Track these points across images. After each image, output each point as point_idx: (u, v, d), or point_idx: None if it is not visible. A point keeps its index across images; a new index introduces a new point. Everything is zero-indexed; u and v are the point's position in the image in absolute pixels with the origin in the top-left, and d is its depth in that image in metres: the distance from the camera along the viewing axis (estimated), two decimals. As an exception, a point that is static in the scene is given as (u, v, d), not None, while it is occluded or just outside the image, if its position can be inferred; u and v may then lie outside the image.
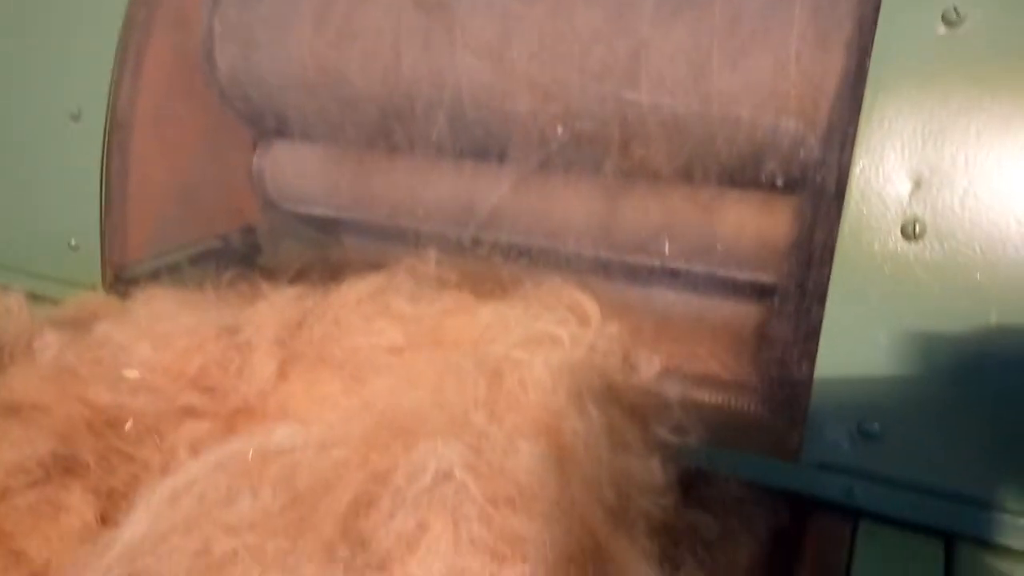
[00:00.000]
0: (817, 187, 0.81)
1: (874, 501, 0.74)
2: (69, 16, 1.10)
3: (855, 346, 0.74)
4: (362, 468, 0.56)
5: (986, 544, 0.70)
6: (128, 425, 0.72)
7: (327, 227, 1.27)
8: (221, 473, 0.58)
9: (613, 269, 1.03)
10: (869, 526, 0.74)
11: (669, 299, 1.04)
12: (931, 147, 0.72)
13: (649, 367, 0.82)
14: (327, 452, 0.59)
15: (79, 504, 0.64)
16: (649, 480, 0.68)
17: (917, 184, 0.72)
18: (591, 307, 0.82)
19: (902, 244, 0.73)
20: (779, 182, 0.87)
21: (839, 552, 0.72)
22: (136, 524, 0.55)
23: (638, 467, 0.68)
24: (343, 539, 0.51)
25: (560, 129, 0.96)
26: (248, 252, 1.21)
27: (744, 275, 0.95)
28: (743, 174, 0.91)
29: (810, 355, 0.77)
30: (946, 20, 0.72)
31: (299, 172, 1.24)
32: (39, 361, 0.75)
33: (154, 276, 1.10)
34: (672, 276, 1.00)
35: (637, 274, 1.03)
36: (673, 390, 0.82)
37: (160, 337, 0.74)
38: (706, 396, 0.88)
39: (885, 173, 0.74)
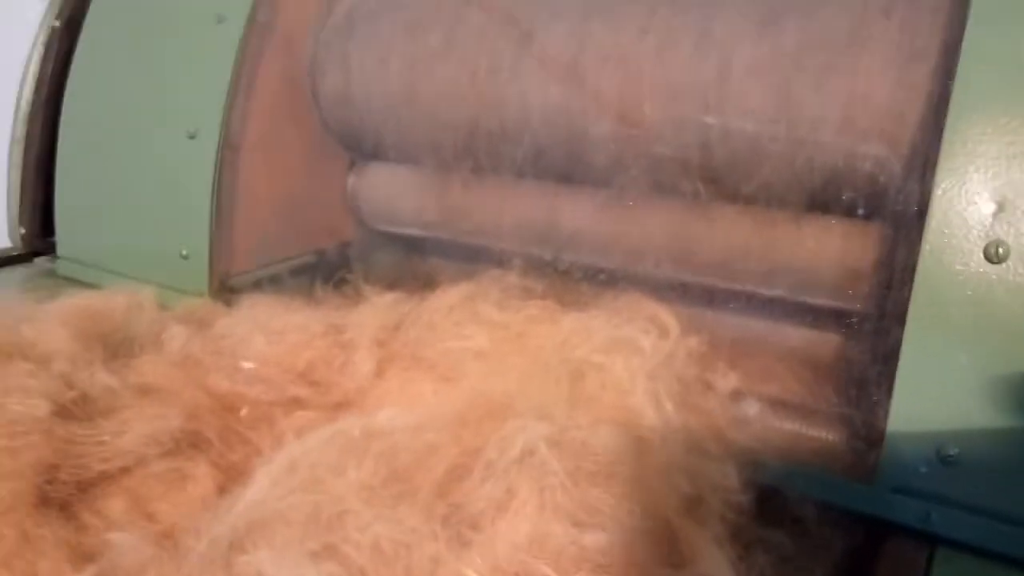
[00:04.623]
0: (899, 209, 0.89)
1: (951, 527, 0.77)
2: (190, 44, 1.28)
3: (935, 368, 0.78)
4: (455, 445, 0.67)
5: (1067, 576, 0.72)
6: (243, 411, 0.86)
7: (415, 246, 1.40)
8: (331, 447, 0.70)
9: (690, 291, 1.10)
10: (946, 553, 0.77)
11: (746, 322, 1.11)
12: (1016, 170, 0.77)
13: (726, 382, 0.91)
14: (423, 433, 0.70)
15: (203, 475, 0.78)
16: (724, 484, 0.76)
17: (1000, 206, 0.77)
18: (670, 320, 0.92)
19: (985, 266, 0.77)
20: (860, 206, 0.94)
21: (914, 578, 0.75)
22: (258, 485, 0.68)
23: (714, 470, 0.76)
24: (439, 501, 0.63)
25: (639, 152, 1.07)
26: (342, 267, 1.36)
27: (822, 300, 1.02)
28: (823, 198, 0.97)
29: (889, 377, 0.80)
30: (1031, 44, 0.76)
31: (390, 193, 1.38)
32: (166, 350, 0.90)
33: (256, 286, 1.25)
34: (749, 300, 1.08)
35: (714, 297, 1.10)
36: (750, 406, 0.90)
37: (273, 332, 0.88)
38: (782, 415, 0.93)
39: (967, 195, 0.78)
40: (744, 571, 0.71)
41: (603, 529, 0.60)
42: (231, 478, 0.80)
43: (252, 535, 0.63)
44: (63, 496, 0.75)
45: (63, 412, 0.79)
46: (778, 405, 0.95)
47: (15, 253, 1.43)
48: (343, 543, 0.59)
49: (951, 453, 0.77)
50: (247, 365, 0.87)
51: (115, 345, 0.92)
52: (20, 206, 1.41)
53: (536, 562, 0.57)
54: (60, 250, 1.39)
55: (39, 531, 0.69)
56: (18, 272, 1.39)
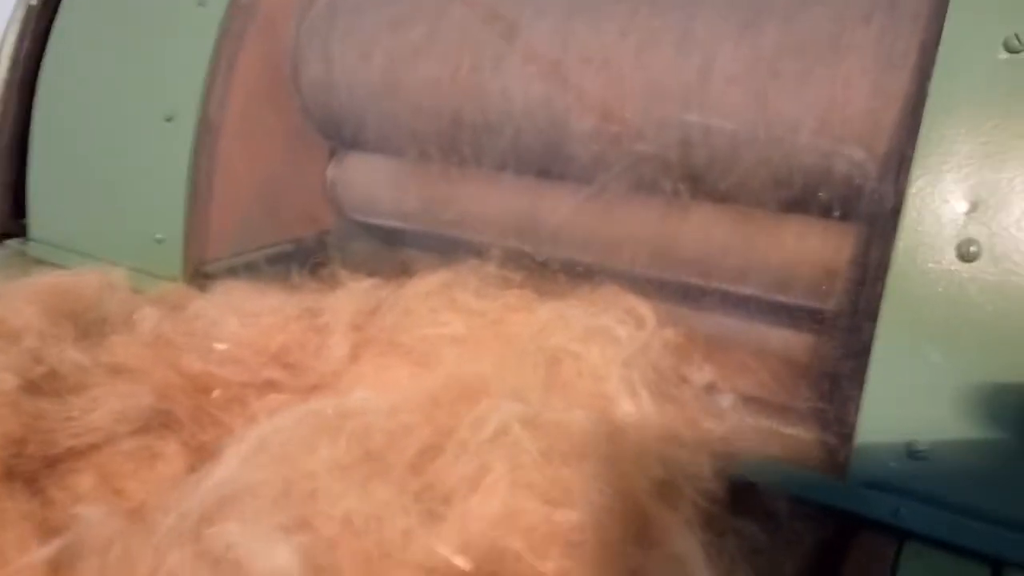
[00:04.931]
0: (874, 207, 0.91)
1: (920, 522, 0.78)
2: (170, 25, 1.26)
3: (906, 364, 0.79)
4: (429, 424, 0.68)
5: (1034, 571, 0.73)
6: (216, 393, 0.85)
7: (394, 236, 1.41)
8: (303, 426, 0.71)
9: (668, 288, 1.11)
10: (914, 547, 0.78)
11: (722, 319, 1.12)
12: (989, 170, 0.78)
13: (701, 375, 0.92)
14: (397, 414, 0.71)
15: (173, 454, 0.78)
16: (697, 473, 0.77)
17: (974, 205, 0.78)
18: (646, 312, 0.93)
19: (957, 264, 0.78)
20: (837, 207, 0.96)
21: (882, 572, 0.76)
22: (227, 463, 0.68)
23: (687, 458, 0.77)
24: (412, 478, 0.63)
25: (619, 150, 1.08)
26: (320, 256, 1.36)
27: (798, 298, 1.04)
28: (800, 198, 0.99)
29: (861, 373, 0.82)
30: (1008, 46, 0.78)
31: (370, 182, 1.39)
32: (138, 330, 0.90)
33: (231, 272, 1.25)
34: (726, 297, 1.10)
35: (692, 293, 1.12)
36: (725, 399, 0.91)
37: (248, 315, 0.89)
38: (756, 410, 0.93)
39: (942, 193, 0.80)
40: (715, 556, 0.72)
41: (575, 508, 0.61)
42: (202, 458, 0.79)
43: (222, 509, 0.63)
44: (30, 471, 0.74)
45: (31, 387, 0.79)
46: (752, 401, 0.97)
47: (-14, 234, 1.42)
48: (314, 516, 0.59)
49: (921, 449, 0.79)
50: (220, 346, 0.87)
51: (86, 324, 0.91)
52: (-9, 187, 1.40)
53: (507, 537, 0.58)
54: (32, 232, 1.38)
55: (2, 504, 0.68)
56: (-12, 253, 1.38)
